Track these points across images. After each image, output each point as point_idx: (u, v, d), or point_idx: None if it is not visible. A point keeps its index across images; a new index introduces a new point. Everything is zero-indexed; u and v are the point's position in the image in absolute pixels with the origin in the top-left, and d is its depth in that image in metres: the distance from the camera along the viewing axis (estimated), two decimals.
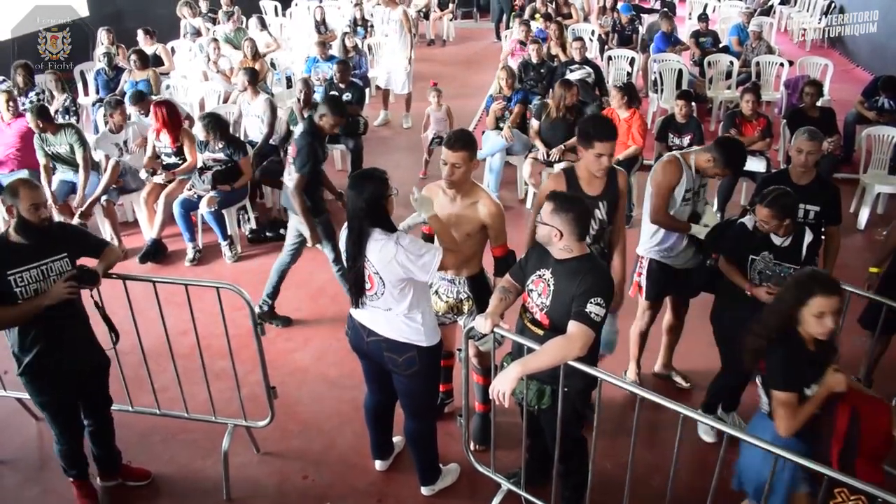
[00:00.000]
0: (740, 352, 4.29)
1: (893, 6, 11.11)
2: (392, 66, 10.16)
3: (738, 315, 4.02)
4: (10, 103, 7.01)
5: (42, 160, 6.80)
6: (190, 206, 6.69)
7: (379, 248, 3.43)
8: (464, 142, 3.83)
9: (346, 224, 3.60)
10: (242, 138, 7.48)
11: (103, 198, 6.73)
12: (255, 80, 7.69)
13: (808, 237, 4.03)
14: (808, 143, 4.42)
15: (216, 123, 6.70)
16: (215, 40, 10.01)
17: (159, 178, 6.71)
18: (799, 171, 4.49)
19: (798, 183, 4.46)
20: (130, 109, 7.54)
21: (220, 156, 6.72)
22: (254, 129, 7.55)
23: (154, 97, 8.01)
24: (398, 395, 3.90)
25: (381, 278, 3.48)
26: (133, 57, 8.82)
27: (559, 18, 12.07)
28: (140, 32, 10.08)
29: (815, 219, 4.45)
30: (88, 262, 3.78)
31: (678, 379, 5.09)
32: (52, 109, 7.38)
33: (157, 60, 9.76)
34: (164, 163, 6.95)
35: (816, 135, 4.45)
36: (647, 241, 4.60)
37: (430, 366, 3.74)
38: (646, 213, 4.53)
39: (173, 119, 6.83)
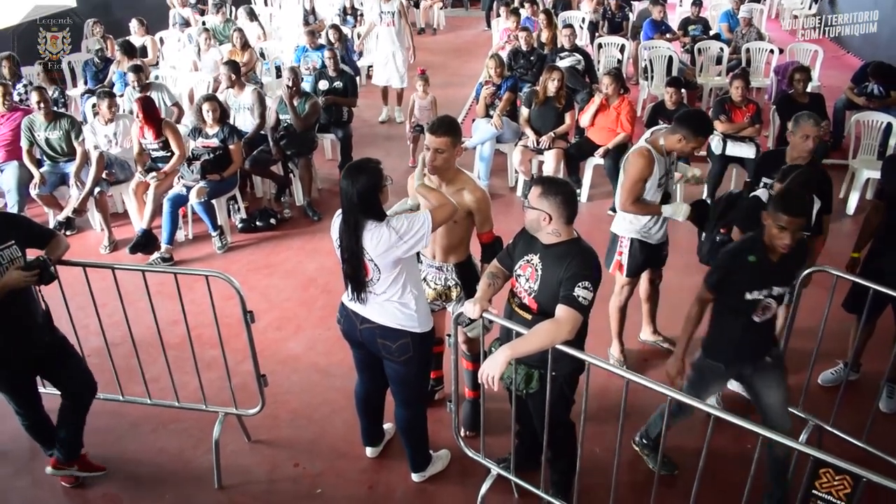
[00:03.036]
0: None
1: None
2: (389, 62, 9.82)
3: None
4: (7, 97, 7.00)
5: (25, 145, 6.83)
6: (181, 202, 6.68)
7: (372, 237, 3.43)
8: (447, 127, 3.82)
9: (337, 213, 3.60)
10: None
11: (96, 189, 6.71)
12: (239, 72, 7.64)
13: (816, 205, 4.20)
14: (814, 129, 4.53)
15: (220, 104, 6.83)
16: (206, 30, 9.97)
17: (152, 180, 6.66)
18: (801, 156, 4.54)
19: (792, 164, 4.56)
20: (120, 101, 7.54)
21: (214, 141, 6.71)
22: (244, 121, 7.51)
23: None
24: (389, 382, 3.91)
25: (375, 265, 3.49)
26: (118, 47, 8.80)
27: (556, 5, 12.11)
28: (134, 21, 10.02)
29: None
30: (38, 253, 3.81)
31: (667, 345, 5.27)
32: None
33: (144, 51, 9.74)
34: (152, 156, 6.93)
35: (819, 119, 4.60)
36: (627, 220, 4.75)
37: (423, 352, 3.76)
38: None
39: (152, 114, 6.76)
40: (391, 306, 3.59)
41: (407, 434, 4.03)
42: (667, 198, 4.67)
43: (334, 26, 10.12)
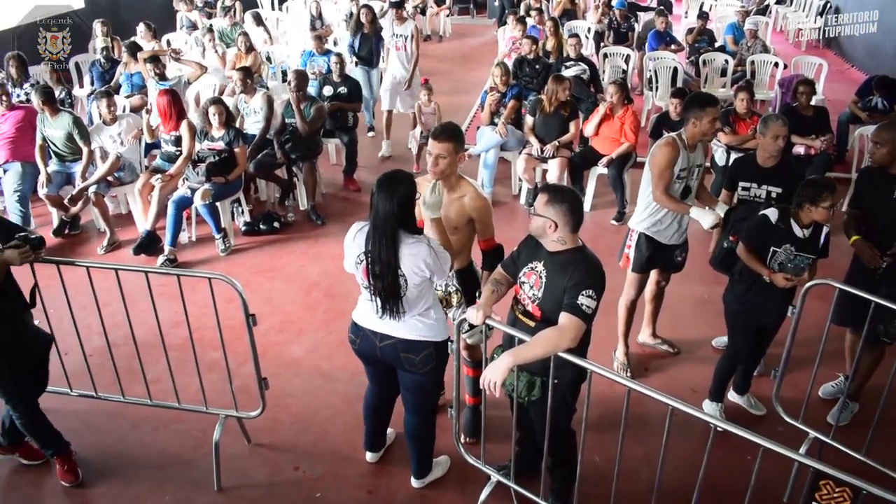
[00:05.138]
0: (751, 334, 4.45)
1: (890, 7, 11.13)
2: (397, 88, 9.14)
3: (751, 299, 4.36)
4: (4, 97, 7.00)
5: (39, 140, 6.87)
6: (185, 204, 6.70)
7: (410, 251, 3.41)
8: (449, 133, 3.84)
9: (358, 230, 3.56)
10: None
11: (93, 188, 6.74)
12: (251, 78, 7.70)
13: (826, 228, 4.20)
14: (783, 128, 4.71)
15: (226, 107, 6.87)
16: (211, 31, 9.99)
17: (156, 181, 6.68)
18: (773, 156, 4.76)
19: (764, 166, 4.81)
20: (123, 101, 7.56)
21: (220, 144, 6.75)
22: (253, 125, 7.59)
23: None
24: (403, 391, 3.90)
25: (405, 280, 3.46)
26: (125, 49, 8.84)
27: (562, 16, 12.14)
28: (141, 26, 10.04)
29: (777, 199, 4.70)
30: None
31: (665, 347, 5.35)
32: None
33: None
34: (163, 149, 7.01)
35: (786, 119, 4.81)
36: (641, 213, 4.82)
37: (444, 359, 3.75)
38: (643, 190, 4.76)
39: (178, 105, 6.88)
40: (412, 320, 3.58)
41: (415, 441, 4.03)
42: (687, 192, 4.71)
43: (366, 6, 9.64)
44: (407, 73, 9.12)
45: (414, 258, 3.40)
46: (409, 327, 3.59)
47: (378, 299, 3.51)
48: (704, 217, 4.56)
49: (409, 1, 15.10)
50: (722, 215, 4.65)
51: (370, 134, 9.76)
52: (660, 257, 4.89)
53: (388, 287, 3.46)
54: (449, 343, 3.70)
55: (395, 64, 9.17)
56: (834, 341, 4.11)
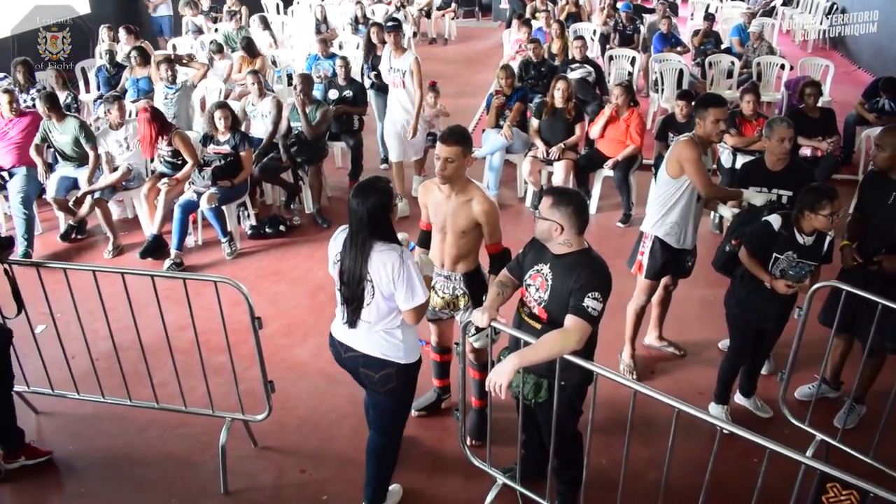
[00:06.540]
0: (750, 336, 4.45)
1: (894, 8, 11.12)
2: (403, 133, 7.54)
3: (752, 304, 4.34)
4: (14, 104, 7.02)
5: (37, 139, 6.89)
6: (191, 208, 6.71)
7: (380, 258, 3.35)
8: (458, 136, 3.83)
9: (340, 231, 3.56)
10: None
11: (96, 193, 6.76)
12: (262, 81, 7.73)
13: (830, 235, 4.19)
14: (789, 130, 4.66)
15: (231, 111, 6.88)
16: (221, 51, 9.95)
17: (163, 185, 6.69)
18: (781, 159, 4.74)
19: (773, 170, 4.77)
20: (130, 106, 7.57)
21: (226, 148, 6.76)
22: (260, 128, 7.60)
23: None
24: (370, 409, 3.84)
25: (373, 286, 3.40)
26: (133, 53, 8.83)
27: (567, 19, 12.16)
28: (122, 31, 10.00)
29: (789, 202, 4.67)
30: None
31: (671, 349, 5.35)
32: None
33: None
34: (165, 161, 7.00)
35: (791, 122, 4.77)
36: (655, 218, 4.76)
37: (406, 384, 3.65)
38: (656, 193, 4.75)
39: (161, 121, 6.84)
40: (377, 335, 3.51)
41: (374, 460, 3.84)
42: (700, 196, 4.69)
43: (377, 25, 8.86)
44: (407, 114, 7.44)
45: (382, 265, 3.33)
46: (372, 342, 3.52)
47: (345, 304, 3.50)
48: (757, 196, 4.62)
49: (415, 4, 15.17)
50: (737, 211, 4.68)
51: (383, 166, 8.59)
52: (673, 263, 4.86)
53: (351, 293, 3.44)
54: (455, 346, 3.69)
55: (395, 107, 7.52)
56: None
